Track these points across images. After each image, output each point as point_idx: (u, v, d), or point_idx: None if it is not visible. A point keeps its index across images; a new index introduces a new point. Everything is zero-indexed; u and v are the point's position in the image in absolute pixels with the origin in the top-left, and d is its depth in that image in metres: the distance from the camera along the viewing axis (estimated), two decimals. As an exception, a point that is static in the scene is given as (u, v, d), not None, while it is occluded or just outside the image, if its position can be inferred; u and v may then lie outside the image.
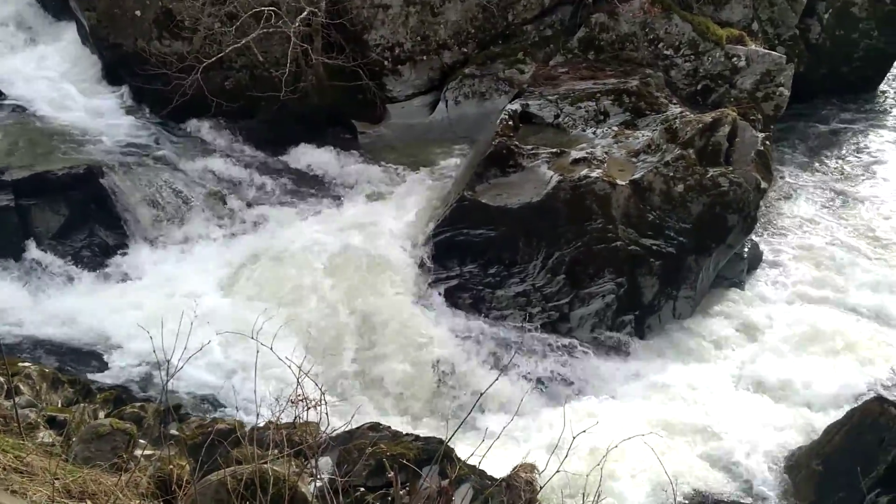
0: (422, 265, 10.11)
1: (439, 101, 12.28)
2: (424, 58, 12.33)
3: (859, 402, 8.22)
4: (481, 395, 4.59)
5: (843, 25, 15.39)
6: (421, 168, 11.79)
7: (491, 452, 7.68)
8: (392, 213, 10.90)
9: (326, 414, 5.02)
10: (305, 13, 11.13)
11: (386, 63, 12.26)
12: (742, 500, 7.69)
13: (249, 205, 11.24)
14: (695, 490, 7.55)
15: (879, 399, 7.87)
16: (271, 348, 4.73)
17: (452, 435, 4.30)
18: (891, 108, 16.07)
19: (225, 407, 8.49)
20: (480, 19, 12.25)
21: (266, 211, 11.12)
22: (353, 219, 10.85)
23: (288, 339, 8.44)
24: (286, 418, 5.62)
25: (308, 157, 12.08)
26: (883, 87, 16.53)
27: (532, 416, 8.44)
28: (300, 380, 5.02)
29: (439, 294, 9.91)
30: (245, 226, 10.97)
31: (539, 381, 9.15)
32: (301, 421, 5.63)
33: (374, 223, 10.66)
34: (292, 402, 5.54)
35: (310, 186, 11.71)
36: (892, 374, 9.44)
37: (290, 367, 4.58)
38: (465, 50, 12.35)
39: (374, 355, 9.13)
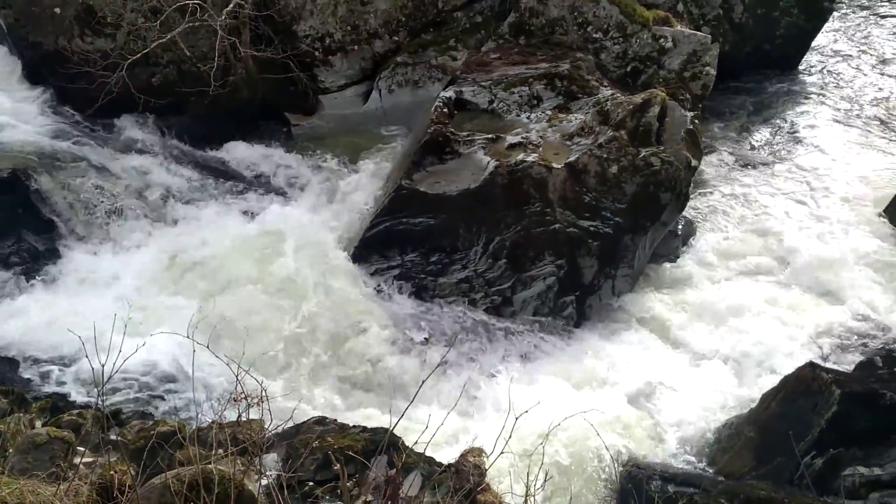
0: (361, 256, 10.06)
1: (372, 91, 12.20)
2: (355, 47, 12.23)
3: (792, 370, 8.46)
4: (423, 382, 4.59)
5: (765, 4, 15.79)
6: (356, 158, 11.72)
7: (440, 438, 7.76)
8: (329, 205, 10.82)
9: (268, 410, 4.98)
10: (232, 5, 10.91)
11: (317, 54, 12.11)
12: (683, 469, 7.87)
13: (182, 203, 11.02)
14: (637, 462, 7.70)
15: (811, 365, 8.12)
16: (208, 346, 4.64)
17: (396, 424, 4.30)
18: (812, 83, 16.60)
19: (167, 409, 8.34)
20: (410, 7, 12.19)
21: (199, 208, 10.92)
22: (288, 212, 10.74)
23: (226, 337, 8.33)
24: (232, 417, 5.57)
25: (241, 151, 11.89)
26: (803, 63, 17.06)
27: (478, 400, 8.50)
28: (239, 378, 4.96)
29: (381, 284, 9.89)
30: (178, 224, 10.76)
31: (484, 365, 9.21)
32: (245, 419, 5.58)
33: (311, 215, 10.57)
34: (235, 401, 5.48)
35: (244, 181, 11.53)
36: (823, 340, 9.79)
37: (228, 365, 4.52)
38: (397, 38, 12.28)
39: (316, 348, 9.07)
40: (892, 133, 14.84)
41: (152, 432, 6.97)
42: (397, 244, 10.06)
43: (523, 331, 9.75)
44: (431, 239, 9.98)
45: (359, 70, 12.40)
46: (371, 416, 8.01)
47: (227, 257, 10.00)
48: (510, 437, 3.95)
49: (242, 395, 5.46)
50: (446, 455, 7.15)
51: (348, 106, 12.40)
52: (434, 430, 4.40)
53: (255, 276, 9.72)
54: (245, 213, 10.89)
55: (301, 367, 8.90)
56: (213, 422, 6.23)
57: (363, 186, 11.11)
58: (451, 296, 9.95)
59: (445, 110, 10.72)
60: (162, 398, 8.42)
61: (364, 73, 12.41)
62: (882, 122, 15.23)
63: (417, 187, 9.92)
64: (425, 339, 9.41)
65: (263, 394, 5.04)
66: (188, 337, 4.89)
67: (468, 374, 8.57)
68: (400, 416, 4.19)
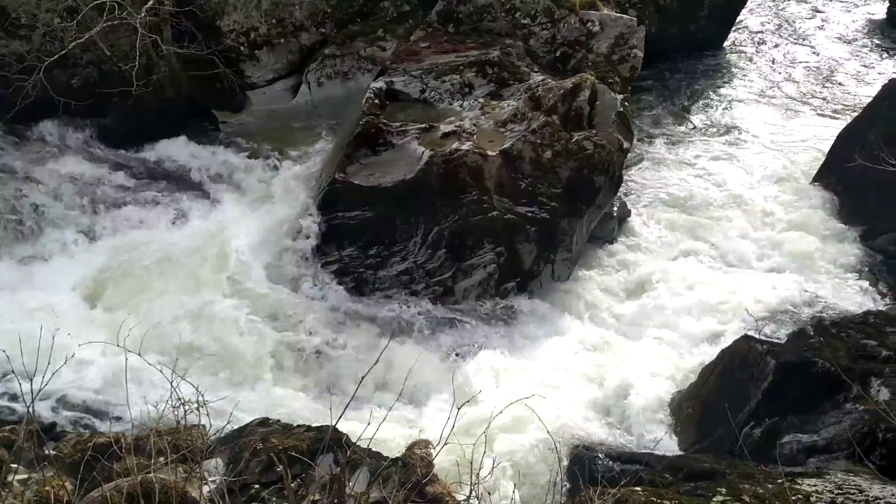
0: (297, 252, 9.90)
1: (301, 85, 12.02)
2: (282, 41, 12.04)
3: (729, 343, 8.64)
4: (362, 378, 4.51)
5: (687, -15, 16.05)
6: (288, 154, 11.52)
7: (388, 433, 7.70)
8: (261, 202, 10.63)
9: (207, 415, 4.85)
10: (151, 2, 10.58)
11: (242, 49, 11.89)
12: (628, 448, 7.98)
13: (108, 207, 10.67)
14: (583, 443, 7.76)
15: (746, 338, 8.31)
16: (139, 354, 4.48)
17: (337, 420, 4.23)
18: (736, 60, 17.01)
19: (103, 420, 8.07)
20: (336, -2, 12.05)
21: (127, 212, 10.59)
22: (219, 212, 10.52)
23: (159, 343, 8.12)
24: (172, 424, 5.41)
25: (168, 151, 11.57)
26: (728, 41, 17.45)
27: (424, 392, 8.45)
28: (174, 384, 4.82)
29: (319, 279, 9.76)
30: (105, 230, 10.42)
31: (427, 356, 9.15)
32: (184, 425, 5.44)
33: (243, 214, 10.38)
34: (173, 408, 5.33)
35: (172, 182, 11.22)
36: (758, 313, 10.03)
37: (161, 372, 4.38)
38: (324, 30, 12.13)
39: (255, 349, 8.88)
40: (815, 105, 15.30)
41: (89, 444, 6.75)
42: (334, 239, 9.93)
43: (466, 320, 9.73)
44: (369, 232, 9.88)
45: (286, 64, 12.20)
46: (315, 415, 7.89)
47: (157, 261, 9.72)
48: (453, 427, 3.92)
49: (180, 402, 5.32)
50: (396, 448, 7.11)
51: (277, 100, 12.20)
52: (377, 425, 4.33)
53: (187, 279, 9.48)
54: (174, 214, 10.61)
55: (240, 369, 8.70)
56: (151, 430, 6.05)
57: (296, 182, 10.93)
58: (391, 289, 9.87)
59: (377, 101, 10.61)
60: (98, 410, 8.15)
61: (292, 67, 12.23)
62: (804, 95, 15.69)
63: (352, 180, 9.80)
64: (369, 333, 9.31)
65: (201, 399, 4.91)
66: (119, 346, 4.73)
67: (411, 367, 8.49)
68: (341, 413, 4.12)
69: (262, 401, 8.34)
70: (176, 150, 11.59)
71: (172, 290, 9.35)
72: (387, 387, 8.49)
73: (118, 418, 7.71)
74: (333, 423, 4.46)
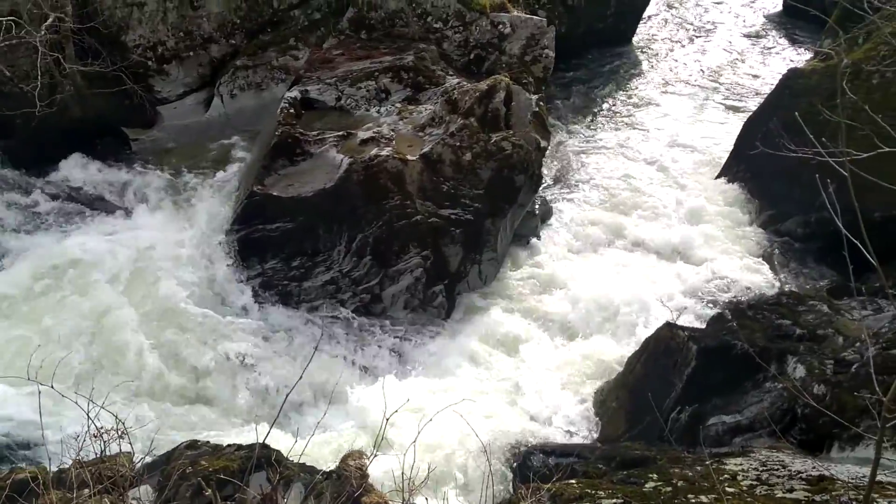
0: (218, 268, 9.69)
1: (214, 97, 11.78)
2: (191, 54, 11.77)
3: (652, 332, 8.83)
4: (287, 394, 4.44)
5: (594, -15, 16.40)
6: (204, 168, 11.27)
7: (321, 444, 7.60)
8: (178, 219, 10.36)
9: (129, 443, 4.69)
10: (51, 20, 10.21)
11: (150, 64, 11.58)
12: (562, 441, 8.07)
13: (14, 233, 10.23)
14: (518, 442, 7.82)
15: (668, 325, 8.50)
16: (52, 387, 4.29)
17: (265, 437, 4.14)
18: (644, 56, 17.48)
19: (23, 456, 7.72)
20: (245, 8, 11.85)
21: (35, 237, 10.19)
22: (135, 230, 10.22)
23: (74, 367, 7.83)
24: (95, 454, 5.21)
25: (78, 172, 11.19)
26: (636, 38, 17.91)
27: (354, 401, 8.36)
28: (96, 413, 4.64)
29: (241, 294, 9.56)
30: (14, 254, 9.98)
31: (357, 365, 9.08)
32: (108, 454, 5.25)
33: (158, 231, 10.09)
34: (95, 437, 5.14)
35: (84, 203, 10.86)
36: (679, 301, 10.30)
37: (76, 403, 4.21)
38: (234, 41, 11.92)
39: (179, 370, 8.64)
40: (721, 96, 15.84)
41: (8, 481, 6.46)
42: (256, 252, 9.75)
43: (395, 326, 9.68)
44: (291, 243, 9.74)
45: (197, 77, 11.95)
46: (245, 433, 7.72)
47: (69, 286, 9.36)
48: (382, 436, 3.89)
49: (101, 431, 5.13)
50: (330, 460, 7.03)
51: (190, 115, 11.93)
52: (308, 439, 4.26)
53: (103, 300, 9.15)
54: (86, 235, 10.23)
55: (163, 391, 8.45)
56: (74, 461, 5.82)
57: (213, 196, 10.70)
58: (317, 299, 9.75)
59: (292, 111, 10.49)
60: (15, 445, 7.79)
61: (203, 80, 11.98)
62: (711, 86, 16.23)
63: (270, 192, 9.65)
64: (294, 347, 9.16)
65: (122, 426, 4.74)
66: (30, 378, 4.52)
67: (342, 378, 8.41)
68: (269, 430, 4.03)
69: (188, 422, 8.12)
70: (86, 170, 11.23)
71: (87, 312, 9.01)
72: (317, 399, 8.37)
73: (38, 454, 7.40)
74: (262, 441, 4.35)
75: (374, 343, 9.41)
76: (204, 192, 10.83)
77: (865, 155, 3.94)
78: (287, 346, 9.13)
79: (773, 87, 12.50)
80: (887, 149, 4.01)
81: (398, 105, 10.87)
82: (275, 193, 9.65)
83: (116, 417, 4.50)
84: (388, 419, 3.77)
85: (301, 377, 4.40)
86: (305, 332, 9.29)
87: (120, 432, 5.17)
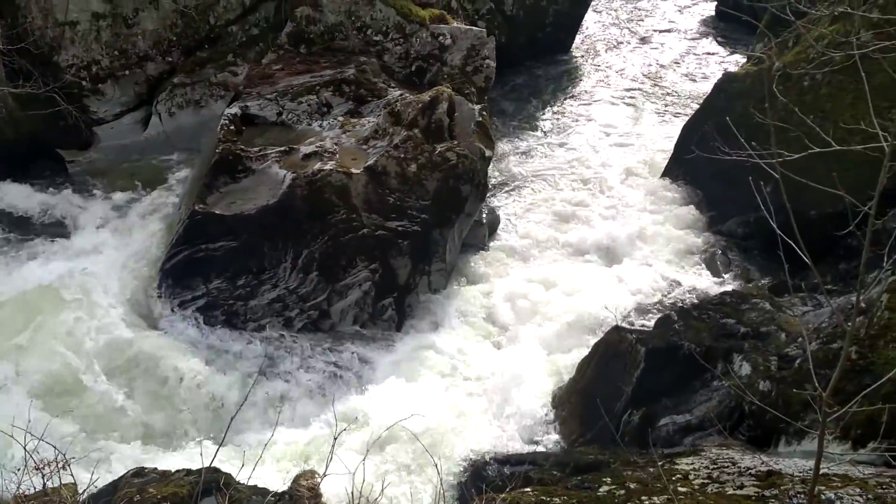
0: (161, 291, 9.48)
1: (151, 116, 11.57)
2: (126, 72, 11.55)
3: (601, 336, 8.91)
4: (234, 415, 4.34)
5: (532, -5, 16.60)
6: (143, 188, 11.03)
7: (272, 465, 7.48)
8: (117, 242, 10.13)
9: (71, 475, 4.54)
10: (-22, 41, 9.94)
11: (84, 83, 11.32)
12: (517, 450, 8.07)
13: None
14: (472, 452, 7.80)
15: (616, 328, 8.59)
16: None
17: (212, 460, 4.04)
18: (583, 63, 17.76)
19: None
20: (181, 25, 11.67)
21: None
22: (73, 255, 9.93)
23: (9, 397, 7.57)
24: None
25: (12, 197, 10.87)
26: (574, 47, 18.18)
27: (304, 420, 8.25)
28: (35, 444, 4.50)
29: (186, 318, 9.36)
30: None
31: (306, 383, 8.94)
32: (51, 486, 5.08)
33: (98, 254, 9.83)
34: (37, 469, 4.98)
35: (19, 229, 10.54)
36: (626, 303, 10.42)
37: (12, 436, 4.05)
38: (171, 59, 11.72)
39: (122, 396, 8.41)
40: (660, 101, 16.15)
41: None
42: (200, 273, 9.56)
43: (345, 342, 9.58)
44: (236, 262, 9.58)
45: (134, 96, 11.73)
46: (193, 457, 7.54)
47: (8, 310, 9.05)
48: (332, 455, 3.83)
49: (42, 464, 4.98)
50: (282, 481, 6.90)
51: (127, 134, 11.69)
52: (257, 460, 4.18)
53: (38, 327, 8.85)
54: (20, 262, 9.92)
55: (106, 419, 8.20)
56: (15, 496, 5.62)
57: (153, 217, 10.49)
58: (264, 318, 9.60)
59: (232, 127, 10.35)
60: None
61: (140, 99, 11.76)
62: (648, 93, 16.54)
63: (213, 210, 9.49)
64: (242, 367, 8.98)
65: (59, 457, 4.59)
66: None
67: (290, 397, 8.29)
68: (215, 453, 3.93)
69: (134, 450, 7.89)
70: (20, 195, 10.93)
71: (23, 339, 8.71)
72: (265, 419, 8.23)
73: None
74: (210, 464, 4.25)
75: (323, 360, 9.28)
76: (144, 213, 10.60)
77: (796, 156, 4.04)
78: (234, 366, 8.94)
79: (710, 90, 12.78)
80: (817, 149, 4.11)
81: (341, 118, 10.81)
82: (217, 212, 9.49)
83: (56, 448, 4.35)
84: (337, 437, 3.71)
85: (246, 398, 4.31)
86: (253, 352, 9.12)
87: (61, 464, 5.02)
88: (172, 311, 9.40)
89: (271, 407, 8.29)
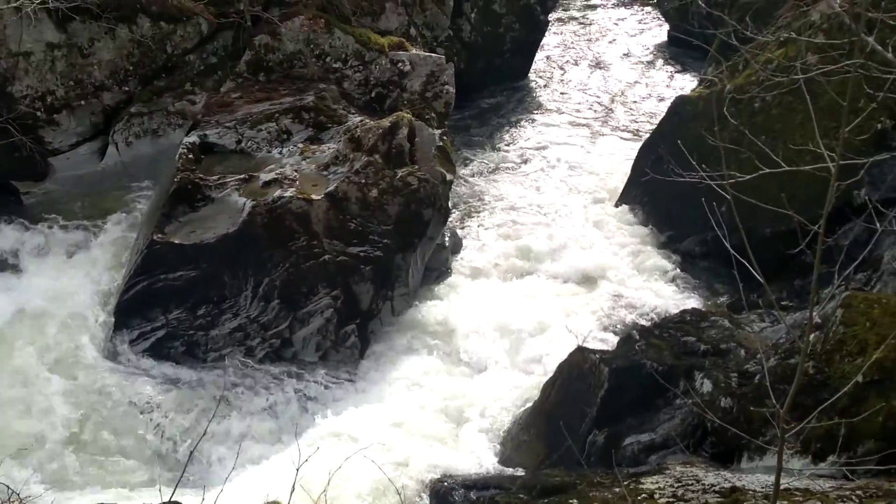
0: (120, 323, 9.32)
1: (108, 146, 11.42)
2: (82, 102, 11.39)
3: (564, 357, 8.95)
4: (193, 449, 4.27)
5: (489, 22, 16.91)
6: (100, 219, 10.81)
7: (233, 500, 7.33)
8: (75, 274, 9.94)
9: (28, 515, 4.43)
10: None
11: (39, 114, 11.14)
12: (483, 474, 8.05)
13: None
14: (435, 481, 7.73)
15: (580, 349, 8.63)
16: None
17: (171, 496, 3.97)
18: (541, 90, 18.03)
19: None
20: (137, 55, 11.57)
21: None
22: (27, 287, 9.71)
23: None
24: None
25: (-37, 230, 10.61)
26: (532, 72, 18.46)
27: (265, 452, 8.12)
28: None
29: (144, 350, 9.21)
30: None
31: (268, 413, 8.83)
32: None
33: (56, 289, 9.65)
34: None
35: (-29, 262, 10.29)
36: (589, 324, 10.50)
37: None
38: (127, 88, 11.59)
39: (80, 430, 8.20)
40: (615, 126, 16.44)
41: None
42: (159, 303, 9.43)
43: (307, 370, 9.50)
44: (196, 291, 9.48)
45: (90, 126, 11.57)
46: (153, 492, 7.37)
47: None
48: (294, 487, 3.78)
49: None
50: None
51: (83, 165, 11.51)
52: (217, 494, 4.11)
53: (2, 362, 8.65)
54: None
55: (61, 457, 7.99)
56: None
57: (111, 248, 10.32)
58: (225, 348, 9.48)
59: (191, 156, 10.28)
60: None
61: (96, 129, 11.60)
62: (604, 117, 16.83)
63: (171, 240, 9.39)
64: (203, 399, 8.83)
65: (17, 497, 4.48)
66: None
67: (251, 428, 8.17)
68: (174, 488, 3.86)
69: (91, 485, 7.70)
70: (-29, 228, 10.66)
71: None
72: (226, 452, 8.08)
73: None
74: (169, 500, 4.18)
75: (285, 389, 9.17)
76: (101, 244, 10.42)
77: (748, 177, 4.14)
78: (193, 398, 8.78)
79: (664, 113, 13.03)
80: (767, 170, 4.22)
81: (300, 145, 10.80)
82: (176, 241, 9.40)
83: (9, 488, 4.24)
84: (299, 468, 3.67)
85: (206, 431, 4.25)
86: (214, 383, 8.99)
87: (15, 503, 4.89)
88: (131, 343, 9.24)
89: (232, 439, 8.15)
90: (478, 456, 8.45)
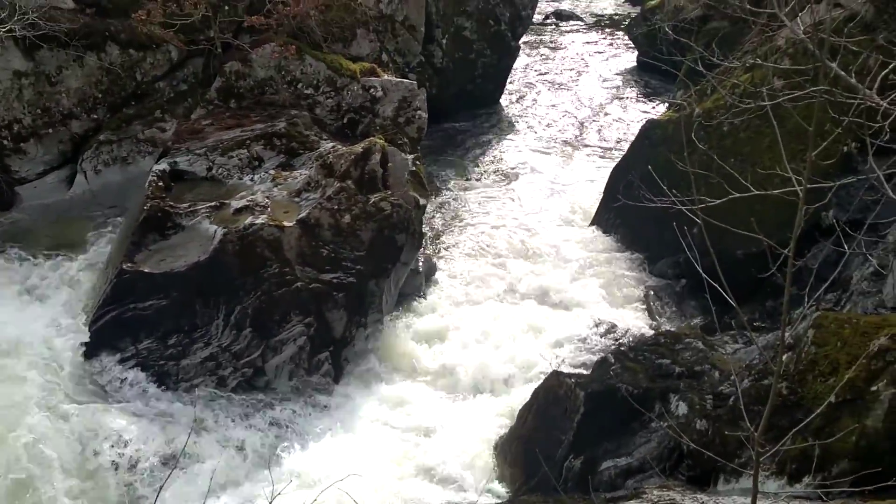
0: (88, 354, 9.14)
1: (77, 174, 11.29)
2: (50, 131, 11.27)
3: (540, 382, 8.92)
4: (162, 485, 4.16)
5: (460, 48, 17.05)
6: (68, 249, 10.62)
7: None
8: (41, 305, 9.75)
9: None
10: None
11: (6, 143, 11.01)
12: (458, 501, 7.97)
13: None
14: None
15: (556, 373, 8.63)
16: None
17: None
18: (513, 114, 18.19)
19: None
20: (106, 82, 11.48)
21: None
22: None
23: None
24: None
25: (-73, 262, 10.37)
26: (504, 98, 18.62)
27: (239, 485, 7.96)
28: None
29: (114, 381, 9.03)
30: None
31: (239, 444, 8.66)
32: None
33: (21, 320, 9.44)
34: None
35: (-65, 296, 10.03)
36: (564, 349, 10.50)
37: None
38: (96, 116, 11.49)
39: (45, 466, 7.97)
40: (589, 149, 16.58)
41: None
42: (129, 333, 9.26)
43: (280, 399, 9.36)
44: (166, 321, 9.33)
45: (58, 154, 11.44)
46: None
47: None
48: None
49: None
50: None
51: (51, 193, 11.36)
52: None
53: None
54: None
55: (31, 493, 7.76)
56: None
57: (78, 277, 10.15)
58: (197, 377, 9.31)
59: (161, 183, 10.17)
60: None
61: (64, 157, 11.48)
62: (578, 140, 16.99)
63: (141, 269, 9.25)
64: (174, 431, 8.65)
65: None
66: None
67: (223, 460, 8.01)
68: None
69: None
70: (-66, 260, 10.42)
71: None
72: (198, 485, 7.90)
73: None
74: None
75: (258, 419, 9.00)
76: (68, 274, 10.24)
77: (718, 201, 4.17)
78: (165, 430, 8.59)
79: (634, 136, 13.17)
80: (737, 194, 4.25)
81: (272, 172, 10.74)
82: (146, 270, 9.26)
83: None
84: (272, 501, 3.59)
85: (176, 465, 4.13)
86: (185, 414, 8.80)
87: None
88: (100, 373, 9.05)
89: (204, 472, 7.97)
90: (455, 482, 8.36)
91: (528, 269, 12.13)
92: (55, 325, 9.64)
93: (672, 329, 10.29)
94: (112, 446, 8.22)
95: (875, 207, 7.81)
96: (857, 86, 4.68)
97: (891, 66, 5.32)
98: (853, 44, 5.58)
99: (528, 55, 21.76)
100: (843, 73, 4.66)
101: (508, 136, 16.95)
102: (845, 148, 9.64)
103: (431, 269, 12.08)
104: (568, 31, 25.09)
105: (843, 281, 8.75)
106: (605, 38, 24.24)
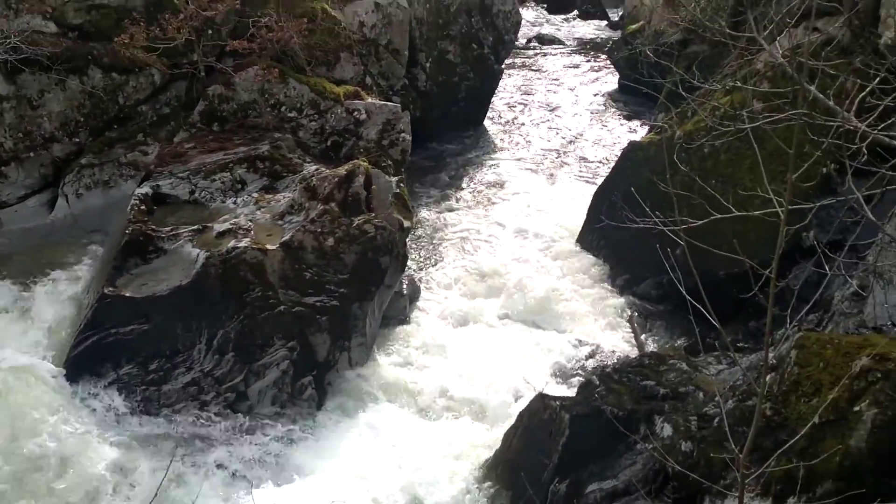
0: (69, 379, 9.02)
1: (58, 198, 11.20)
2: (31, 154, 11.20)
3: (525, 405, 8.88)
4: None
5: (444, 71, 17.16)
6: (48, 273, 10.46)
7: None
8: (20, 330, 9.62)
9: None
10: None
11: (-15, 167, 10.93)
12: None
13: None
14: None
15: (541, 396, 8.58)
16: None
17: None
18: (497, 136, 18.28)
19: None
20: (88, 106, 11.44)
21: None
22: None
23: None
24: None
25: None
26: (487, 120, 18.73)
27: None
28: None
29: (95, 407, 8.90)
30: None
31: (221, 471, 8.54)
32: None
33: (1, 345, 9.31)
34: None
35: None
36: (550, 370, 10.48)
37: None
38: (78, 139, 11.44)
39: (28, 494, 7.83)
40: (570, 171, 16.67)
41: None
42: (110, 358, 9.15)
43: (263, 424, 9.25)
44: (148, 345, 9.23)
45: (39, 178, 11.36)
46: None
47: None
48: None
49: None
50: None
51: (32, 218, 11.25)
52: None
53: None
54: None
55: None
56: None
57: (59, 302, 10.03)
58: (178, 402, 9.20)
59: (143, 207, 10.12)
60: None
61: (46, 181, 11.40)
62: (562, 161, 17.09)
63: (122, 293, 9.17)
64: (156, 457, 8.52)
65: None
66: None
67: (204, 488, 7.89)
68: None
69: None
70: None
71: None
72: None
73: None
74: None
75: (241, 444, 8.90)
76: (49, 299, 10.11)
77: (700, 222, 4.19)
78: (145, 456, 8.47)
79: (617, 158, 13.26)
80: (719, 216, 4.28)
81: (255, 195, 10.71)
82: (128, 294, 9.18)
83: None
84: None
85: (157, 492, 4.07)
86: (166, 440, 8.70)
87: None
88: (81, 400, 8.92)
89: (185, 499, 7.85)
90: (440, 509, 8.28)
91: (512, 291, 12.12)
92: (35, 350, 9.51)
93: (656, 350, 10.30)
94: (92, 472, 8.08)
95: (855, 229, 7.87)
96: (835, 108, 4.73)
97: (868, 89, 5.39)
98: (831, 67, 5.66)
99: (512, 78, 21.94)
100: (821, 95, 4.72)
101: (492, 158, 17.03)
102: (825, 170, 9.73)
103: (416, 292, 12.06)
104: (550, 55, 25.32)
105: (824, 301, 8.80)
106: (587, 62, 24.48)
